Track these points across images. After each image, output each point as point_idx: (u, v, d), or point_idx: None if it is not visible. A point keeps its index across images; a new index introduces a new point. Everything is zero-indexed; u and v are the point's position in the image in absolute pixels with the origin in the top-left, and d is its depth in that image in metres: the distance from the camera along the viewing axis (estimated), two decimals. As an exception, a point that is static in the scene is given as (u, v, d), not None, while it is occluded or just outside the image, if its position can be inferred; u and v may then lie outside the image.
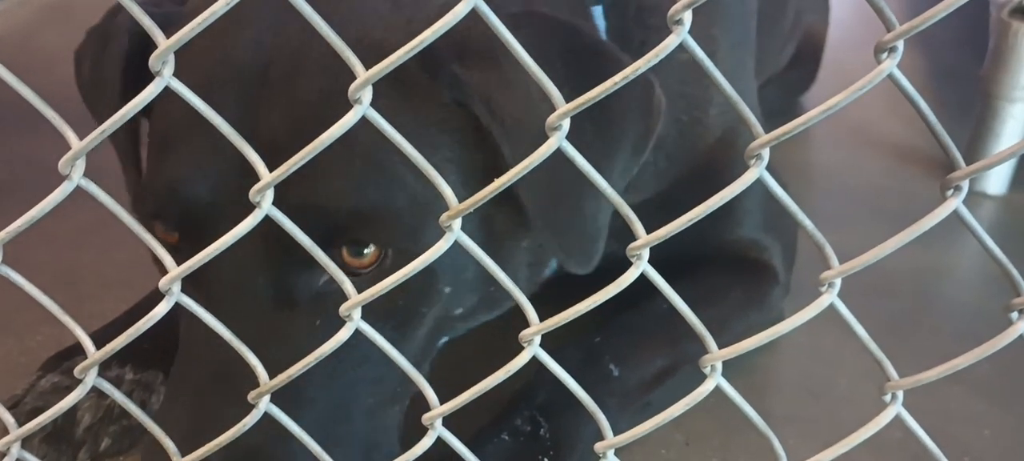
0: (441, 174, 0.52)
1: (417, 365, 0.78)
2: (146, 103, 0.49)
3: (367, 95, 0.49)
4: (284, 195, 0.56)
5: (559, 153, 0.49)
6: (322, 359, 0.58)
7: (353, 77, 0.48)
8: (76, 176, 0.51)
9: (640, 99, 0.76)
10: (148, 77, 0.49)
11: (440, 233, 0.53)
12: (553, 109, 0.48)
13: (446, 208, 0.52)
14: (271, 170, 0.51)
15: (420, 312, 0.76)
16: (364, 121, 0.49)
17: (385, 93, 0.51)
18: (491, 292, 0.80)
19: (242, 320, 0.62)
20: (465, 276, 0.77)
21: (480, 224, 0.75)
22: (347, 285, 0.55)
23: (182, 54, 0.50)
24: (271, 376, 0.58)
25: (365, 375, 0.74)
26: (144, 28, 0.48)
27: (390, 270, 0.71)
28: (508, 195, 0.73)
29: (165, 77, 0.49)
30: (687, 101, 0.96)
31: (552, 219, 0.74)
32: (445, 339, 0.84)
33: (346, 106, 0.49)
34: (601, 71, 0.51)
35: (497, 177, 0.52)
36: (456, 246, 0.53)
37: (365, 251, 0.71)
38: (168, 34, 0.48)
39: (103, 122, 0.50)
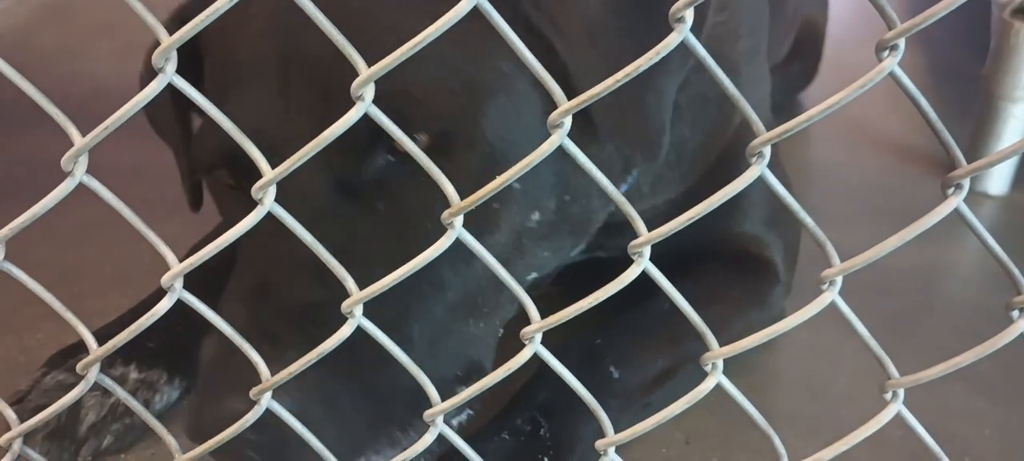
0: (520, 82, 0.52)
1: (501, 288, 0.79)
2: (147, 102, 0.49)
3: (369, 92, 0.49)
4: (333, 91, 0.57)
5: (614, 45, 0.47)
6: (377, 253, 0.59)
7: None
8: (78, 173, 0.51)
9: None
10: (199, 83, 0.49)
11: (500, 125, 0.51)
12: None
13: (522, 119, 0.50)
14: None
15: (492, 207, 0.75)
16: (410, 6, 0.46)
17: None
18: (567, 204, 0.81)
19: (306, 219, 0.62)
20: (538, 175, 0.77)
21: (556, 166, 0.76)
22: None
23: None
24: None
25: (458, 296, 0.76)
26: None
27: (445, 154, 0.71)
28: (583, 130, 0.74)
29: (168, 74, 0.49)
30: (708, 100, 0.96)
31: (619, 121, 0.74)
32: (534, 275, 0.84)
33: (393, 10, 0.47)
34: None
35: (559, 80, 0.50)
36: (519, 130, 0.51)
37: (416, 136, 0.70)
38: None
39: (161, 133, 0.49)
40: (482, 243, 0.72)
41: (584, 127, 0.76)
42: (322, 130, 0.50)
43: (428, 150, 0.68)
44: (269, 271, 0.72)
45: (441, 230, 0.59)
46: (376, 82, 0.51)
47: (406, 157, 0.69)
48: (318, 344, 0.57)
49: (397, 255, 0.71)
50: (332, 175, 0.72)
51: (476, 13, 0.46)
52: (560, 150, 0.74)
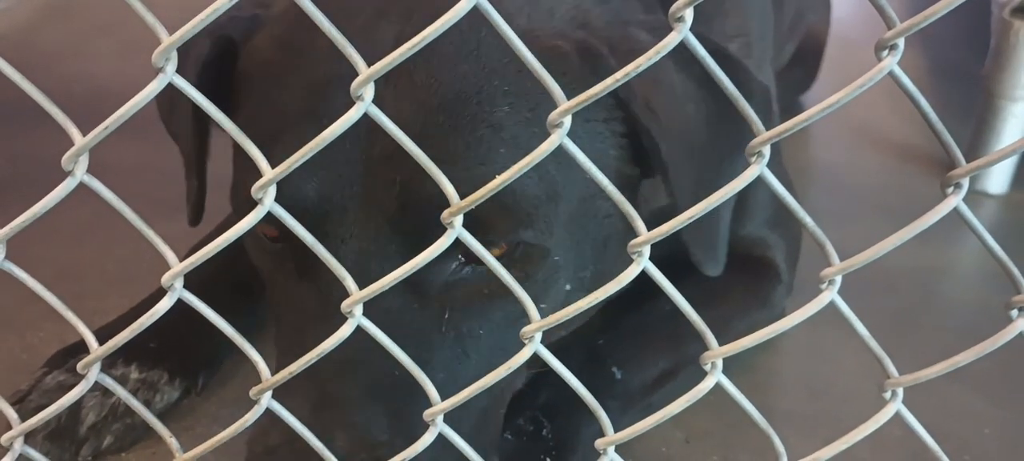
0: (604, 172, 0.52)
1: (520, 371, 0.78)
2: (149, 100, 0.49)
3: (369, 92, 0.49)
4: (420, 188, 0.57)
5: (704, 157, 0.49)
6: (446, 348, 0.62)
7: (485, 66, 0.46)
8: (79, 172, 0.51)
9: (763, 104, 0.80)
10: (226, 83, 0.47)
11: (569, 225, 0.50)
12: (699, 116, 0.48)
13: (591, 206, 0.51)
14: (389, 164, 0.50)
15: (539, 307, 0.75)
16: (515, 103, 0.46)
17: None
18: (596, 274, 0.81)
19: (367, 306, 0.61)
20: (584, 275, 0.77)
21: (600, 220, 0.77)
22: (349, 282, 0.54)
23: (300, 48, 0.47)
24: (387, 367, 0.56)
25: (483, 372, 0.74)
26: (229, 34, 0.48)
27: (517, 263, 0.71)
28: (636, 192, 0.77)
29: (168, 74, 0.49)
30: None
31: (697, 224, 0.74)
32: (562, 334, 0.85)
33: (474, 95, 0.47)
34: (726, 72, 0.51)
35: (635, 182, 0.51)
36: (585, 243, 0.51)
37: (493, 243, 0.69)
38: (254, 39, 0.47)
39: (173, 131, 0.49)
40: (516, 339, 0.73)
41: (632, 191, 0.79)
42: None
43: (500, 257, 0.69)
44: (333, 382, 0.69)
45: (497, 353, 0.61)
46: (468, 181, 0.52)
47: (478, 264, 0.70)
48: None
49: (447, 359, 0.72)
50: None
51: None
52: (604, 231, 0.77)
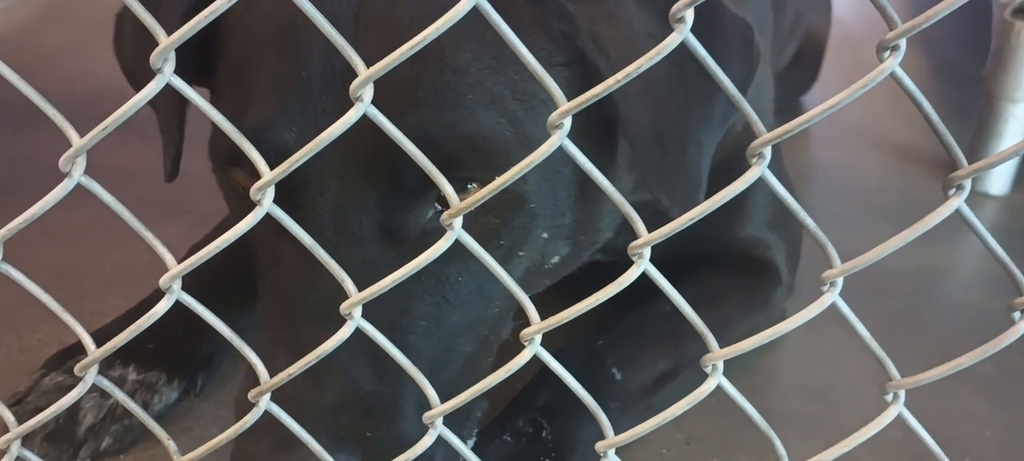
0: (548, 109, 0.52)
1: (504, 320, 0.80)
2: (146, 101, 0.49)
3: (368, 93, 0.49)
4: (401, 115, 0.54)
5: (665, 94, 0.48)
6: (427, 296, 0.61)
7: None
8: (76, 173, 0.51)
9: (741, 41, 0.77)
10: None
11: (542, 170, 0.51)
12: (658, 37, 0.47)
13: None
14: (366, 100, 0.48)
15: (517, 255, 0.75)
16: (472, 44, 0.45)
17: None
18: (580, 241, 0.81)
19: (344, 257, 0.60)
20: (561, 222, 0.77)
21: (574, 173, 0.76)
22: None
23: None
24: (371, 316, 0.56)
25: (466, 317, 0.74)
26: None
27: (494, 209, 0.71)
28: (607, 138, 0.74)
29: (166, 74, 0.49)
30: None
31: (658, 165, 0.73)
32: (546, 282, 0.85)
33: (436, 43, 0.47)
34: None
35: (601, 114, 0.50)
36: (556, 188, 0.49)
37: (468, 186, 0.69)
38: None
39: (140, 85, 0.49)
40: (500, 286, 0.73)
41: (606, 161, 0.77)
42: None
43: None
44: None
45: (478, 297, 0.57)
46: (438, 124, 0.50)
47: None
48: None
49: (429, 307, 0.72)
50: (380, 219, 0.70)
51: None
52: (579, 176, 0.75)
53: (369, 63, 0.48)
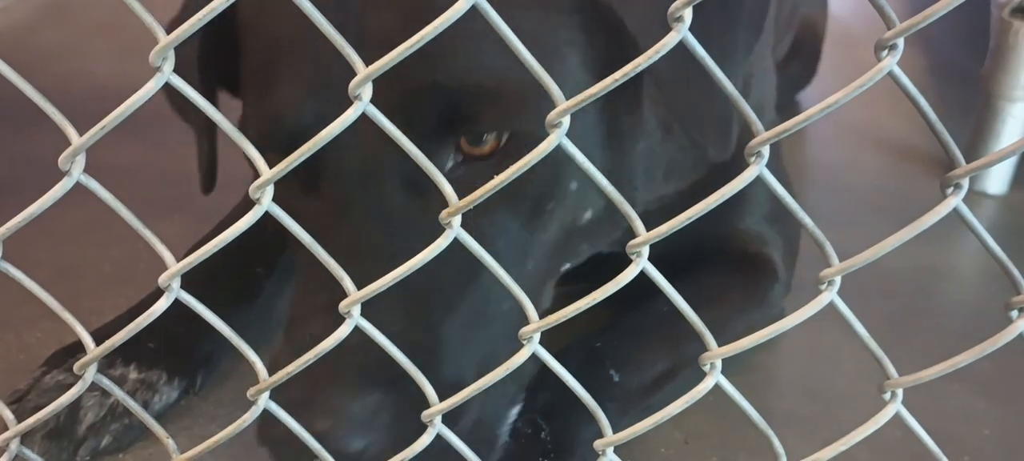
0: (561, 57, 0.50)
1: (542, 282, 0.79)
2: (144, 101, 0.49)
3: (367, 92, 0.49)
4: (402, 78, 0.54)
5: (688, 39, 0.47)
6: (461, 267, 0.60)
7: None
8: (76, 172, 0.51)
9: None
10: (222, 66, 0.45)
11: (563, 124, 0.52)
12: None
13: (567, 90, 0.49)
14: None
15: (547, 208, 0.74)
16: None
17: None
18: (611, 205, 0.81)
19: (373, 217, 0.60)
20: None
21: (599, 118, 0.74)
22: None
23: None
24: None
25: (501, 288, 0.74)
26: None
27: (513, 157, 0.68)
28: (632, 92, 0.73)
29: (165, 73, 0.49)
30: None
31: (686, 101, 0.72)
32: (567, 265, 0.84)
33: None
34: None
35: (624, 56, 0.49)
36: (581, 136, 0.50)
37: (485, 136, 0.68)
38: None
39: (181, 110, 0.49)
40: (534, 241, 0.72)
41: (632, 105, 0.75)
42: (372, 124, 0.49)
43: (495, 152, 0.69)
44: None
45: (513, 245, 0.55)
46: (450, 70, 0.48)
47: (474, 159, 0.69)
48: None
49: (451, 260, 0.71)
50: (400, 174, 0.70)
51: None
52: (605, 122, 0.73)
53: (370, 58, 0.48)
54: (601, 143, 0.76)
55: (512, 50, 0.46)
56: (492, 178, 0.50)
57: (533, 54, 0.46)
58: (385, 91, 0.64)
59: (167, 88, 0.50)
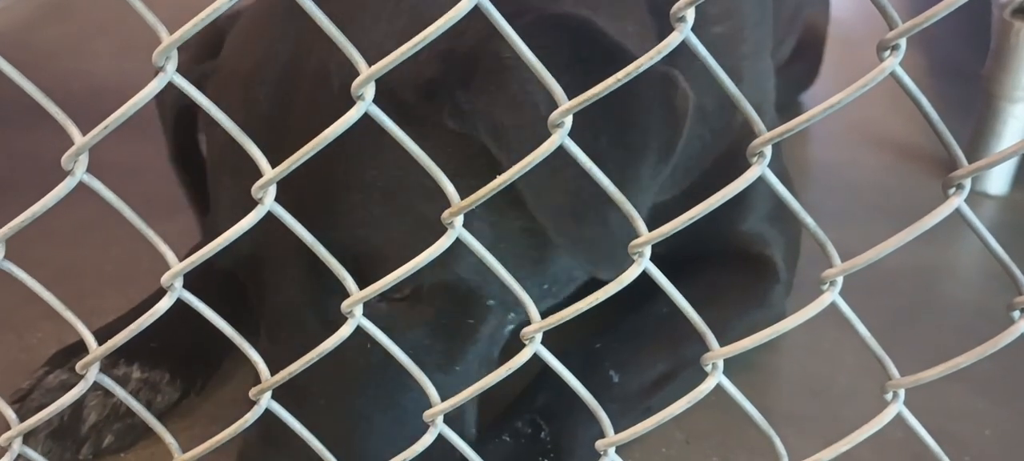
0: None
1: (482, 368, 0.81)
2: (148, 99, 0.49)
3: (369, 92, 0.49)
4: (319, 234, 0.56)
5: (577, 169, 0.49)
6: (376, 382, 0.69)
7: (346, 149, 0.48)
8: (78, 172, 0.51)
9: (661, 100, 0.71)
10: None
11: (471, 260, 0.54)
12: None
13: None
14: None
15: (468, 325, 0.77)
16: (376, 160, 0.47)
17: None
18: (545, 291, 0.81)
19: (296, 345, 0.64)
20: (507, 296, 0.75)
21: (495, 239, 0.73)
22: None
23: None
24: (324, 394, 0.65)
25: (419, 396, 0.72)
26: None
27: (427, 296, 0.74)
28: (524, 209, 0.71)
29: (168, 73, 0.49)
30: (717, 91, 0.95)
31: (575, 237, 0.71)
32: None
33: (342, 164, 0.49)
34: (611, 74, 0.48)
35: (513, 206, 0.51)
36: (496, 250, 0.53)
37: (394, 295, 0.73)
38: (205, 91, 0.53)
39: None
40: (463, 354, 0.78)
41: (534, 230, 0.74)
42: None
43: (406, 298, 0.74)
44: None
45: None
46: (347, 243, 0.61)
47: (393, 300, 0.74)
48: None
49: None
50: (317, 307, 0.74)
51: None
52: (538, 265, 0.77)
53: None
54: (537, 286, 0.80)
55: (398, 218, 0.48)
56: (411, 316, 0.59)
57: (433, 204, 0.51)
58: (298, 243, 0.61)
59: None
